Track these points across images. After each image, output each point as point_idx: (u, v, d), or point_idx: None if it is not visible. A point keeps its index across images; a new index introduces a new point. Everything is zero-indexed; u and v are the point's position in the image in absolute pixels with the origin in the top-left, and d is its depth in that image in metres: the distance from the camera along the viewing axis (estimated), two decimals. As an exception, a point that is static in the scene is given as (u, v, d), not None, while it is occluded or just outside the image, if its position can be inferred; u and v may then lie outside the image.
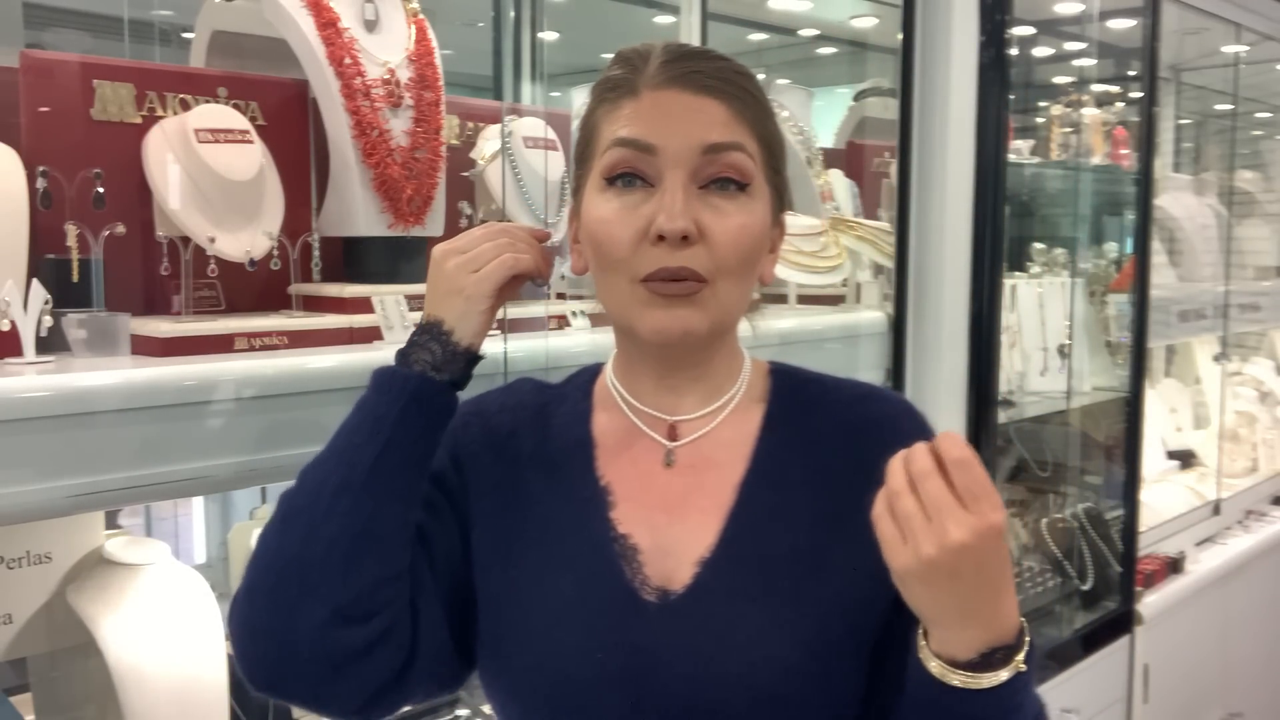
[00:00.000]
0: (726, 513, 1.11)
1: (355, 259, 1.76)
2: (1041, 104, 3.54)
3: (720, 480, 1.13)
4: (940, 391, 2.50)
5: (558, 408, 1.20)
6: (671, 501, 1.12)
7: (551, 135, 2.00)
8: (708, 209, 1.05)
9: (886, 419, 1.16)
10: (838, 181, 2.79)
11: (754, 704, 1.04)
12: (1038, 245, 3.22)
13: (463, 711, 1.90)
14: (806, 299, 2.47)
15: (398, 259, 1.76)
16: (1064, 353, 3.11)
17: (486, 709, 1.94)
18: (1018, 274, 3.14)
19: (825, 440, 1.14)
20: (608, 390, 1.19)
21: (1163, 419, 4.01)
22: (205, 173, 1.55)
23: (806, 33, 3.75)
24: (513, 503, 1.15)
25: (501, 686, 1.14)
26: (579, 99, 2.75)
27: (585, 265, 1.14)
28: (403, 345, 1.12)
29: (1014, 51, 2.58)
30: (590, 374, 1.24)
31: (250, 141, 1.60)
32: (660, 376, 1.15)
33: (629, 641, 1.06)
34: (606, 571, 1.09)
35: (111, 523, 1.76)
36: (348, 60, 1.68)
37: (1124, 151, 3.49)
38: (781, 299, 2.47)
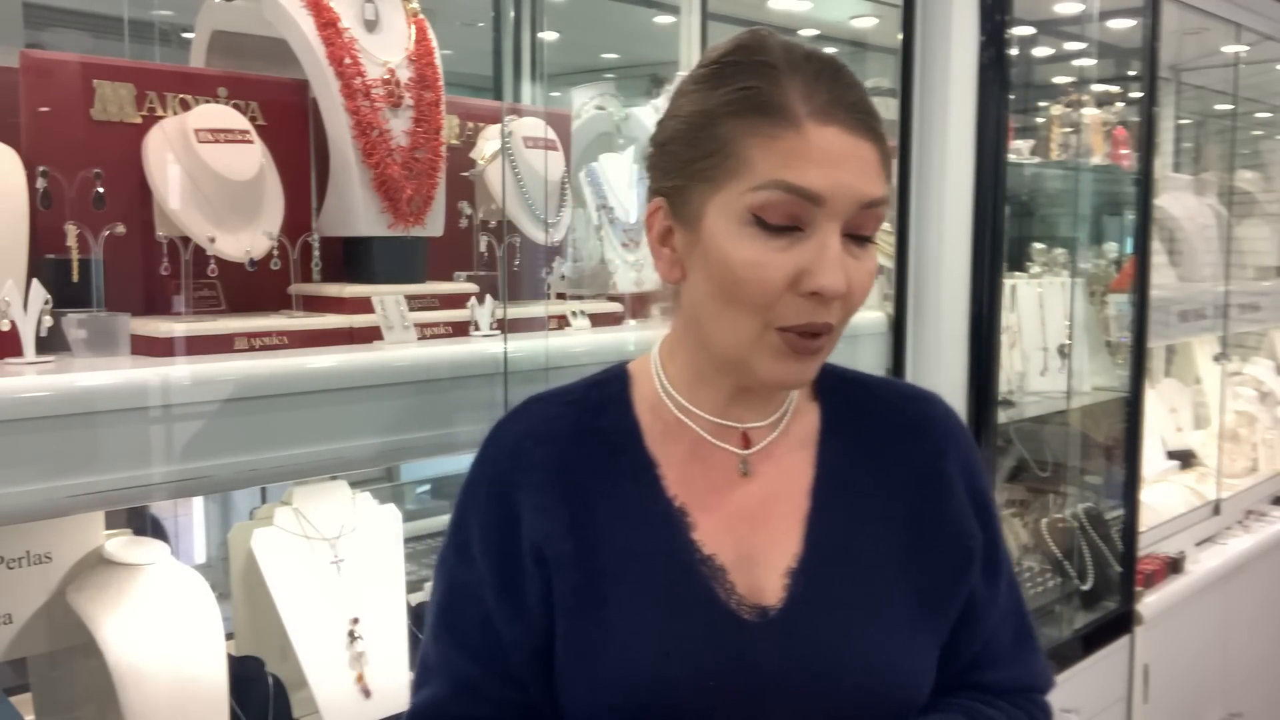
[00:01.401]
0: (804, 518, 1.11)
1: (355, 259, 1.76)
2: (1041, 104, 3.53)
3: (793, 485, 1.13)
4: (940, 391, 2.46)
5: (596, 424, 1.14)
6: (751, 511, 1.11)
7: (551, 135, 2.00)
8: (849, 259, 1.03)
9: (938, 420, 1.20)
10: (838, 181, 2.79)
11: (865, 708, 1.07)
12: (1038, 245, 3.22)
13: (463, 711, 1.89)
14: (806, 299, 2.47)
15: (398, 259, 1.76)
16: (1064, 353, 3.11)
17: (486, 709, 1.94)
18: (1018, 274, 3.14)
19: (884, 442, 1.16)
20: (658, 401, 1.15)
21: (1163, 419, 4.01)
22: (205, 173, 1.55)
23: (806, 33, 3.75)
24: (589, 541, 1.09)
25: None
26: (579, 99, 2.75)
27: (681, 275, 1.08)
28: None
29: (1014, 51, 2.58)
30: (618, 383, 1.18)
31: (250, 141, 1.60)
32: (737, 390, 1.12)
33: (739, 665, 1.05)
34: (701, 597, 1.07)
35: (117, 523, 1.76)
36: (348, 60, 1.68)
37: (1124, 151, 3.49)
38: (781, 299, 2.46)
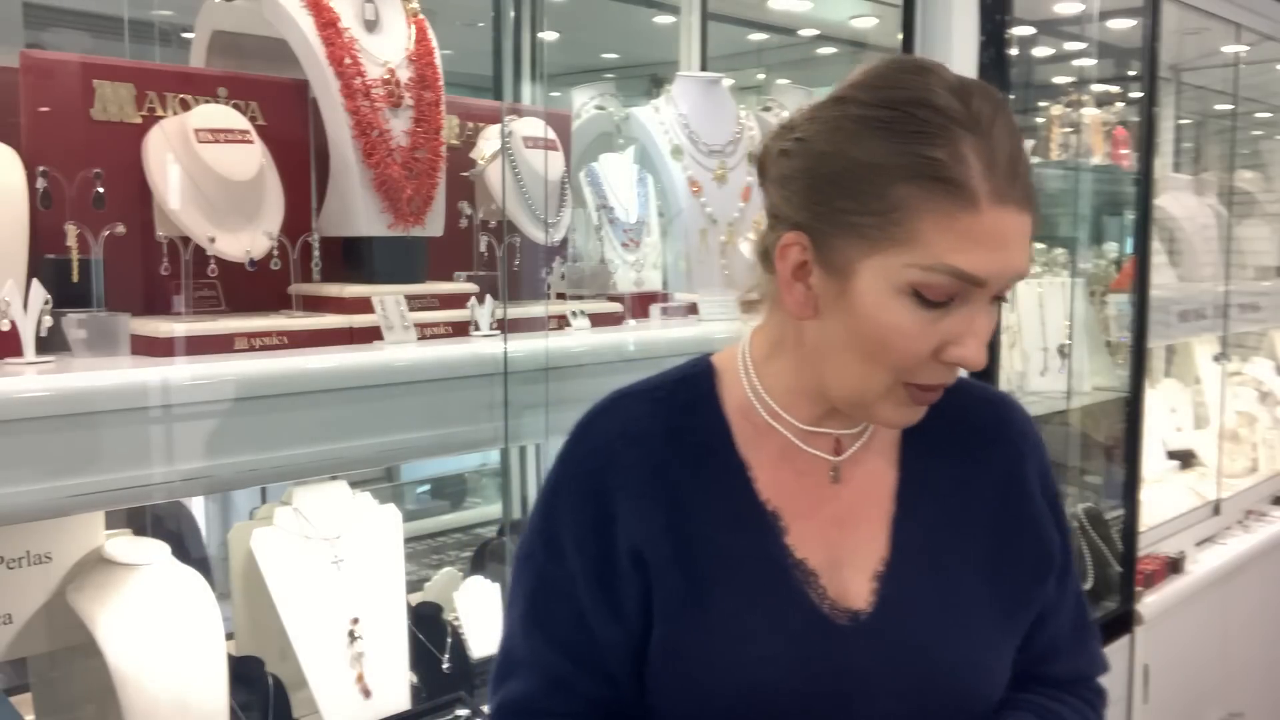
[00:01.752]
0: (890, 522, 1.12)
1: (355, 259, 1.76)
2: (1041, 104, 3.53)
3: (878, 489, 1.14)
4: (940, 391, 2.50)
5: (686, 424, 1.13)
6: (841, 516, 1.12)
7: (551, 135, 2.00)
8: (984, 319, 1.03)
9: (1016, 424, 1.21)
10: (838, 181, 2.79)
11: (950, 708, 1.08)
12: (1038, 245, 3.22)
13: (462, 711, 1.90)
14: (806, 299, 2.47)
15: (398, 259, 1.76)
16: (1064, 353, 3.11)
17: (486, 709, 1.94)
18: (1018, 274, 3.13)
19: (965, 446, 1.16)
20: (747, 404, 1.13)
21: (1163, 419, 4.01)
22: (205, 173, 1.55)
23: (806, 33, 3.75)
24: (686, 544, 1.08)
25: None
26: (579, 99, 2.75)
27: (813, 314, 1.05)
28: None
29: (1014, 51, 2.58)
30: (705, 381, 1.16)
31: (250, 141, 1.60)
32: (834, 407, 1.12)
33: (833, 669, 1.06)
34: (796, 602, 1.08)
35: (119, 523, 1.76)
36: (348, 60, 1.68)
37: (1124, 151, 3.49)
38: (781, 299, 2.46)
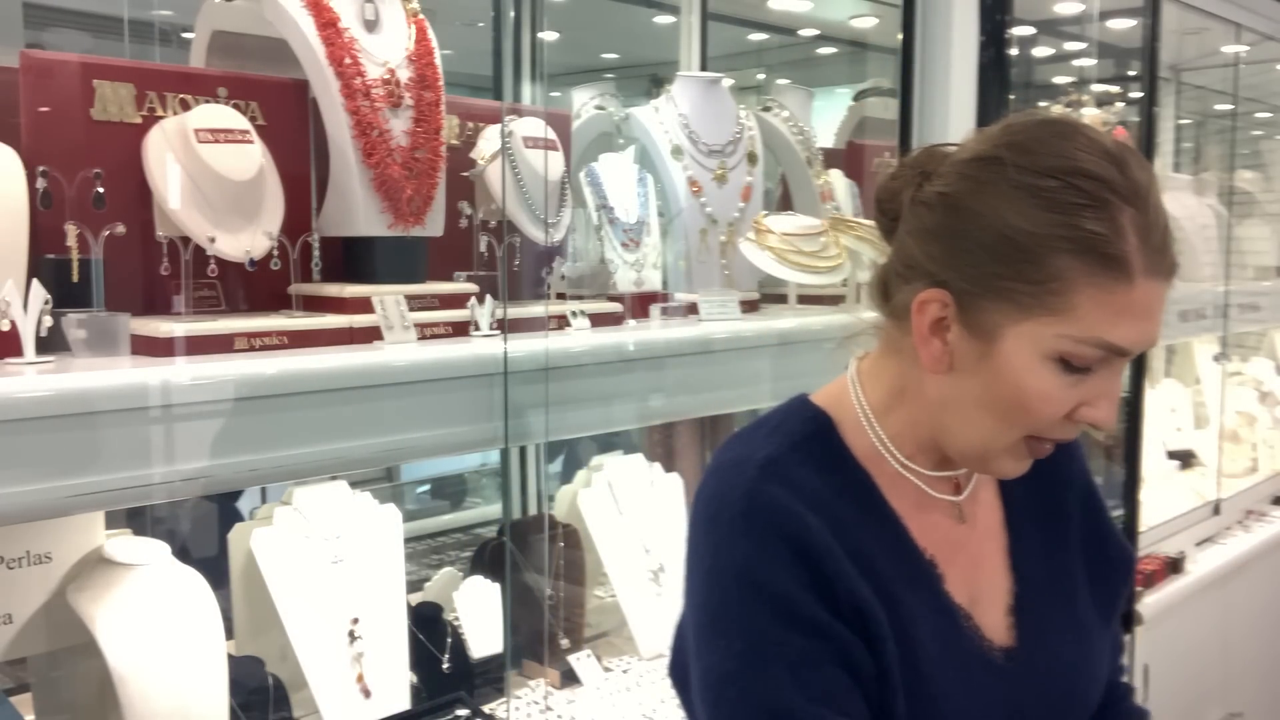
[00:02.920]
0: (1007, 553, 1.16)
1: (355, 259, 1.76)
2: (1041, 104, 3.53)
3: (993, 522, 1.18)
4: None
5: (837, 480, 1.09)
6: (975, 555, 1.15)
7: (551, 135, 2.00)
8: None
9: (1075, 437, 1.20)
10: (838, 181, 2.79)
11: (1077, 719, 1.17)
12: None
13: (462, 711, 1.90)
14: (806, 299, 2.47)
15: (398, 259, 1.76)
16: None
17: (486, 709, 1.94)
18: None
19: (1045, 465, 1.15)
20: (877, 456, 1.12)
21: (1163, 419, 4.01)
22: (205, 173, 1.55)
23: (806, 33, 3.75)
24: (886, 606, 1.05)
25: None
26: (579, 99, 2.75)
27: (949, 365, 1.04)
28: None
29: (1014, 51, 2.58)
30: (832, 435, 1.12)
31: (250, 141, 1.60)
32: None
33: (1004, 707, 1.09)
34: (969, 649, 1.11)
35: (119, 523, 1.76)
36: (348, 60, 1.68)
37: (1124, 151, 3.48)
38: (781, 299, 2.47)
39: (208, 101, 1.64)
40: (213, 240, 1.55)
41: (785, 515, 1.03)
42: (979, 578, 1.14)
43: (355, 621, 1.80)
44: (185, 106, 1.62)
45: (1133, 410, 3.26)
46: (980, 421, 1.04)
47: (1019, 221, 0.98)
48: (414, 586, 2.19)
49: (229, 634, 1.75)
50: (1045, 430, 1.04)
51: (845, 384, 1.16)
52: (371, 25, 1.74)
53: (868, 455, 1.12)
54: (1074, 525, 1.22)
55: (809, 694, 0.99)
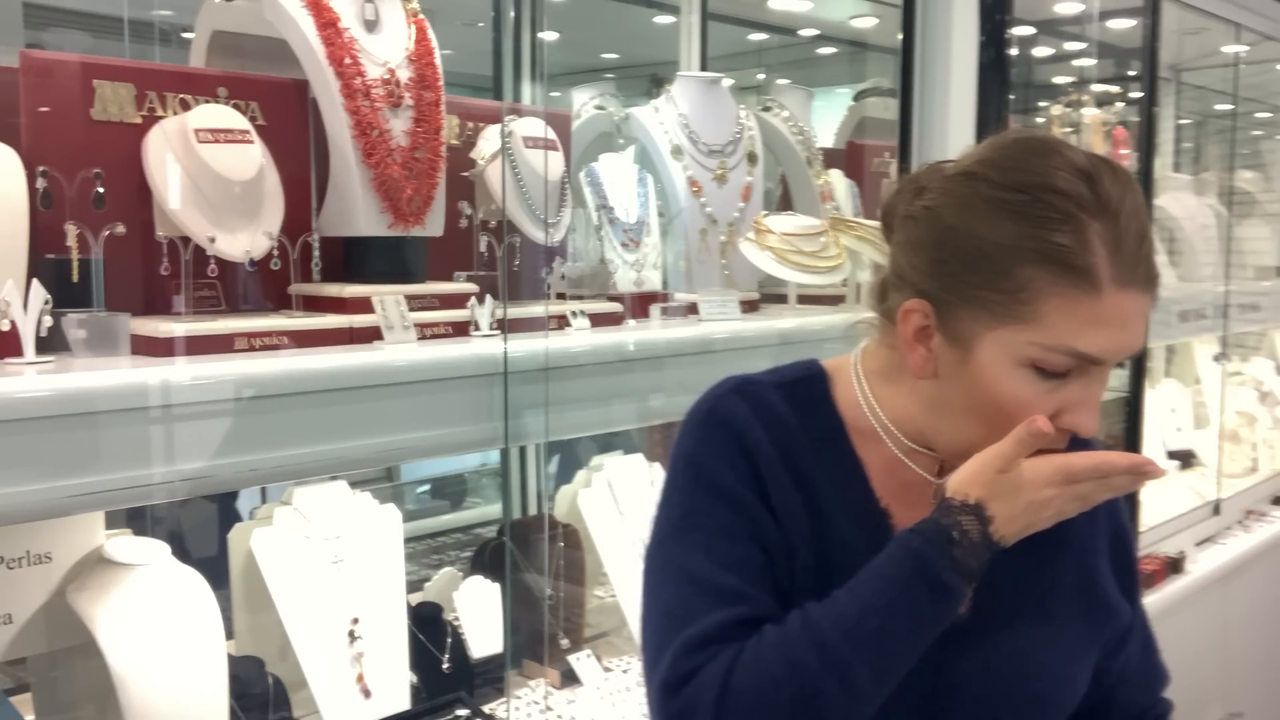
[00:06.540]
0: None
1: (355, 259, 1.76)
2: (1041, 104, 3.53)
3: None
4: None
5: (806, 416, 1.17)
6: None
7: (551, 135, 2.00)
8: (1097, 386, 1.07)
9: (1085, 444, 1.20)
10: (838, 181, 2.80)
11: (1033, 714, 1.15)
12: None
13: (462, 711, 1.90)
14: (806, 299, 2.47)
15: (398, 259, 1.76)
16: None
17: (486, 709, 1.94)
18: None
19: None
20: (858, 411, 1.18)
21: (1163, 419, 4.01)
22: (205, 173, 1.55)
23: (806, 33, 3.75)
24: (817, 526, 1.13)
25: None
26: (579, 99, 2.75)
27: (933, 375, 1.10)
28: (954, 533, 1.03)
29: (1014, 51, 2.58)
30: (820, 384, 1.20)
31: (250, 141, 1.60)
32: None
33: (930, 667, 1.09)
34: None
35: (119, 523, 1.76)
36: (348, 60, 1.68)
37: (1124, 151, 3.49)
38: (781, 299, 2.47)
39: (208, 101, 1.64)
40: (213, 240, 1.55)
41: (739, 419, 1.14)
42: None
43: (355, 621, 1.80)
44: (185, 106, 1.62)
45: (1133, 410, 3.26)
46: (967, 426, 1.09)
47: (990, 234, 1.03)
48: (414, 586, 2.19)
49: (229, 634, 1.75)
50: None
51: (849, 356, 1.23)
52: (371, 25, 1.74)
53: (851, 410, 1.18)
54: (1075, 525, 1.18)
55: (722, 560, 1.10)
